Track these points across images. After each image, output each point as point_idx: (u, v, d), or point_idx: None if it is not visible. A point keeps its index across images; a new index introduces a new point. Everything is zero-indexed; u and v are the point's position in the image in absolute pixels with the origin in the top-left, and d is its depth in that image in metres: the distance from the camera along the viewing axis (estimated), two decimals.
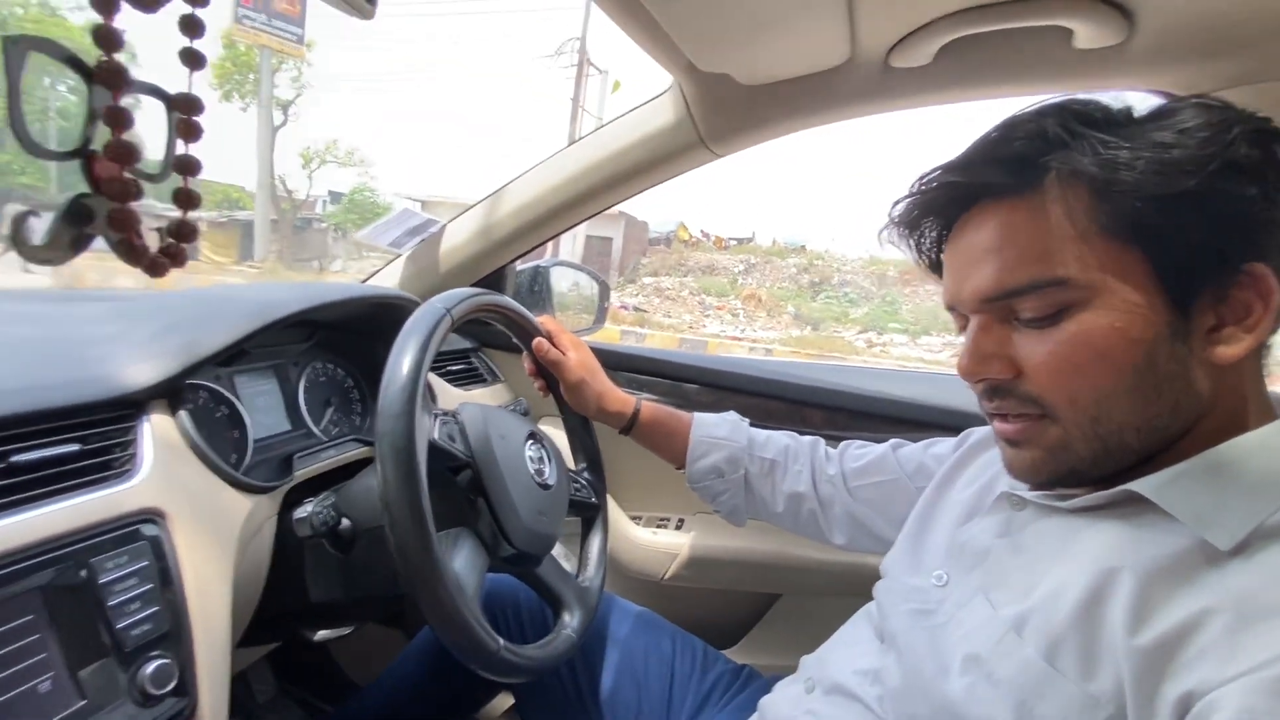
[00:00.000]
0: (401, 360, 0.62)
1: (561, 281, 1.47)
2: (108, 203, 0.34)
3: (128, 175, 0.34)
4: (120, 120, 0.34)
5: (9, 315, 0.78)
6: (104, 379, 0.63)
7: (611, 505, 1.24)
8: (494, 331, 1.03)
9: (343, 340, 0.99)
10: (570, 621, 0.77)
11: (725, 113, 0.94)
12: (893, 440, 0.85)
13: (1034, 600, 0.49)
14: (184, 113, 0.38)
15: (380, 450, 0.58)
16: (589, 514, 0.91)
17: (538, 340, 0.88)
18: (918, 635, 0.58)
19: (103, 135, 0.34)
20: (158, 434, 0.64)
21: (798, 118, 0.92)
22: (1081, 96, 0.50)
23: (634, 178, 1.05)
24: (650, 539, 1.23)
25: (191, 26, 0.37)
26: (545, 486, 0.76)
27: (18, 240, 0.32)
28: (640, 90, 1.13)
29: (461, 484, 0.69)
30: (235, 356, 0.81)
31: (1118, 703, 0.42)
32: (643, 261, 15.70)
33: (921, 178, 0.54)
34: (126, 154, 0.34)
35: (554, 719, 0.90)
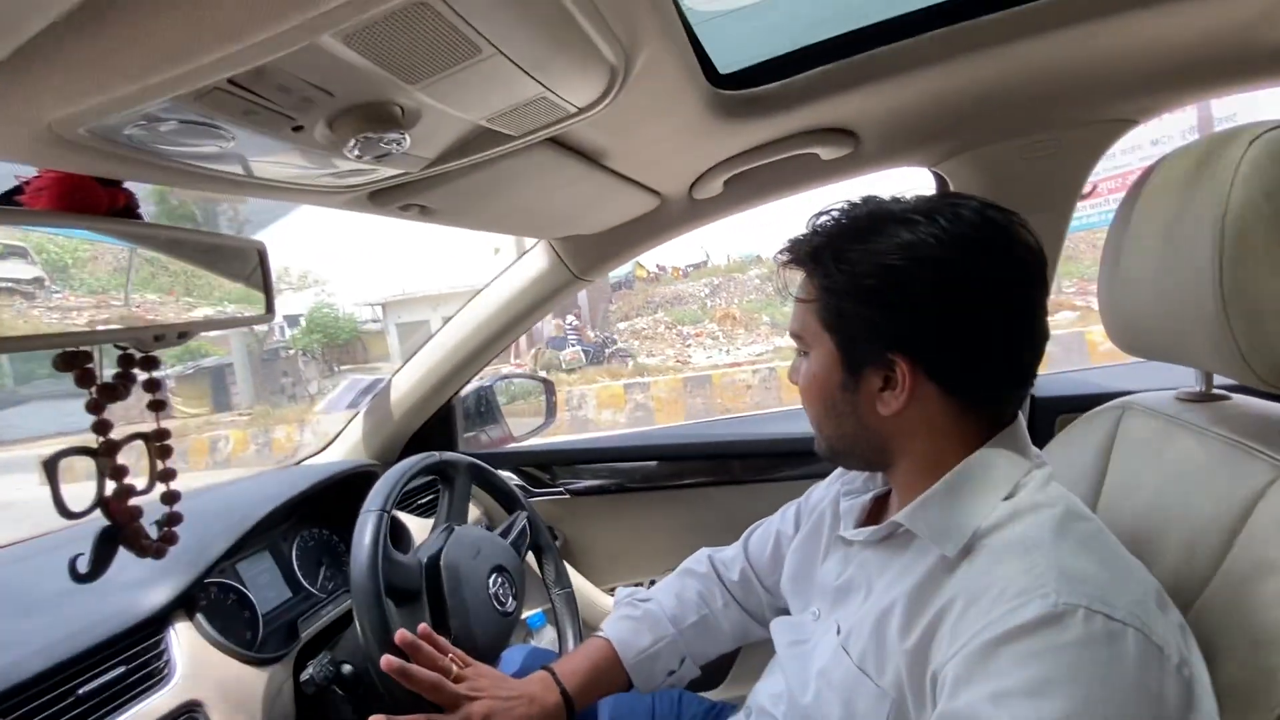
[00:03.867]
0: (360, 561, 0.80)
1: (506, 393, 1.67)
2: (123, 528, 0.52)
3: (130, 506, 0.53)
4: (120, 473, 0.53)
5: (50, 567, 0.96)
6: (133, 606, 0.81)
7: (584, 581, 1.42)
8: None
9: (322, 508, 1.17)
10: None
11: (585, 253, 1.16)
12: (780, 512, 0.97)
13: (853, 622, 0.66)
14: (158, 440, 0.58)
15: (361, 633, 0.76)
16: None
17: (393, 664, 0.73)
18: (794, 661, 0.74)
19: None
20: (182, 640, 0.82)
21: (640, 244, 1.16)
22: (845, 207, 0.65)
23: (531, 312, 1.28)
24: None
25: (152, 385, 0.57)
26: (506, 615, 0.94)
27: (75, 574, 0.50)
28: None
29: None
30: (234, 550, 0.99)
31: (899, 691, 0.58)
32: (610, 308, 15.80)
33: (778, 252, 0.70)
34: (128, 493, 0.53)
35: None
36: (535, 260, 1.21)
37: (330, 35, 0.32)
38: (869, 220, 0.62)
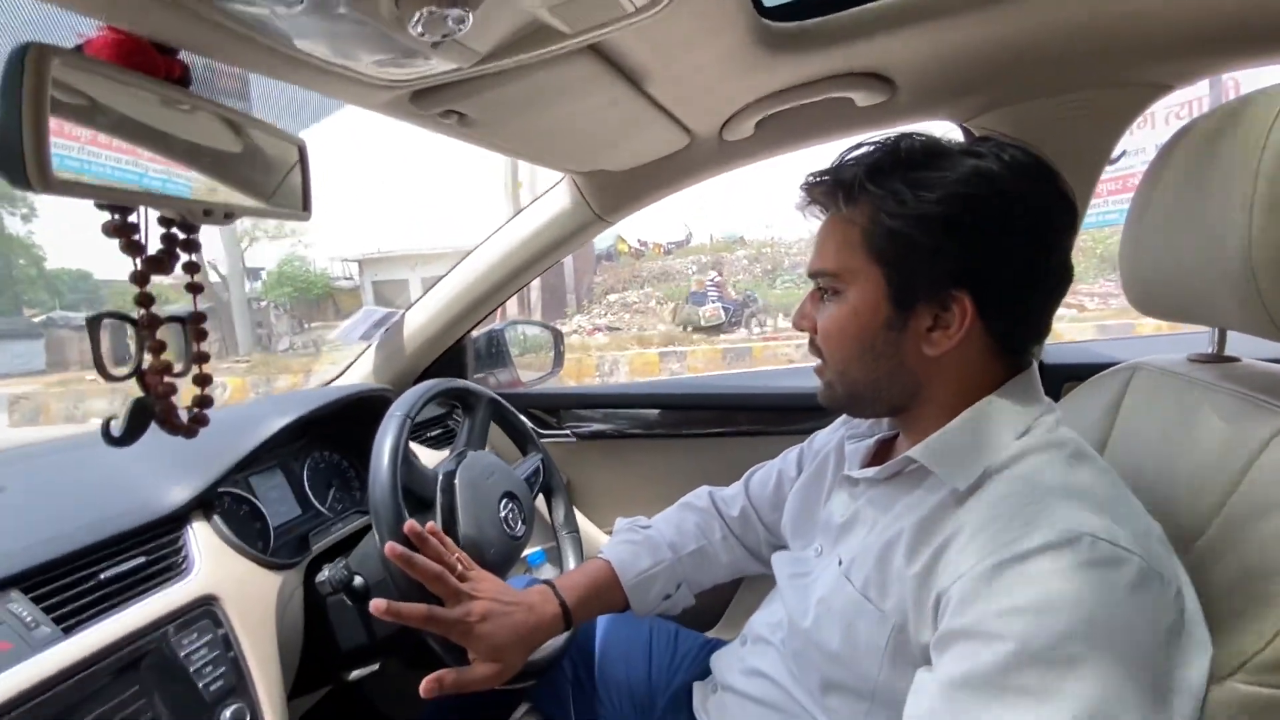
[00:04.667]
0: (381, 457, 0.82)
1: (517, 339, 1.67)
2: (157, 401, 0.53)
3: (167, 380, 0.54)
4: (158, 348, 0.53)
5: (71, 463, 0.97)
6: (153, 503, 0.82)
7: (586, 521, 1.44)
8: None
9: (333, 431, 1.19)
10: None
11: (610, 192, 1.15)
12: (782, 455, 1.00)
13: (857, 552, 0.68)
14: (196, 323, 0.58)
15: (375, 523, 0.78)
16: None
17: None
18: (794, 592, 0.77)
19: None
20: (200, 538, 0.83)
21: (665, 187, 1.15)
22: (895, 137, 0.62)
23: (550, 252, 1.27)
24: None
25: (192, 268, 0.57)
26: (515, 539, 0.95)
27: (107, 435, 0.51)
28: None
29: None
30: (248, 463, 1.00)
31: (902, 615, 0.60)
32: (595, 281, 15.68)
33: (809, 176, 0.68)
34: (165, 369, 0.54)
35: (564, 705, 1.08)
36: (557, 198, 1.21)
37: None
38: (928, 150, 0.60)
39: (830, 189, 0.65)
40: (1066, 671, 0.46)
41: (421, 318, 1.38)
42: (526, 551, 1.41)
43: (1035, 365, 0.65)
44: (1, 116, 0.36)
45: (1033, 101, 0.99)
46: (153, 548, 0.79)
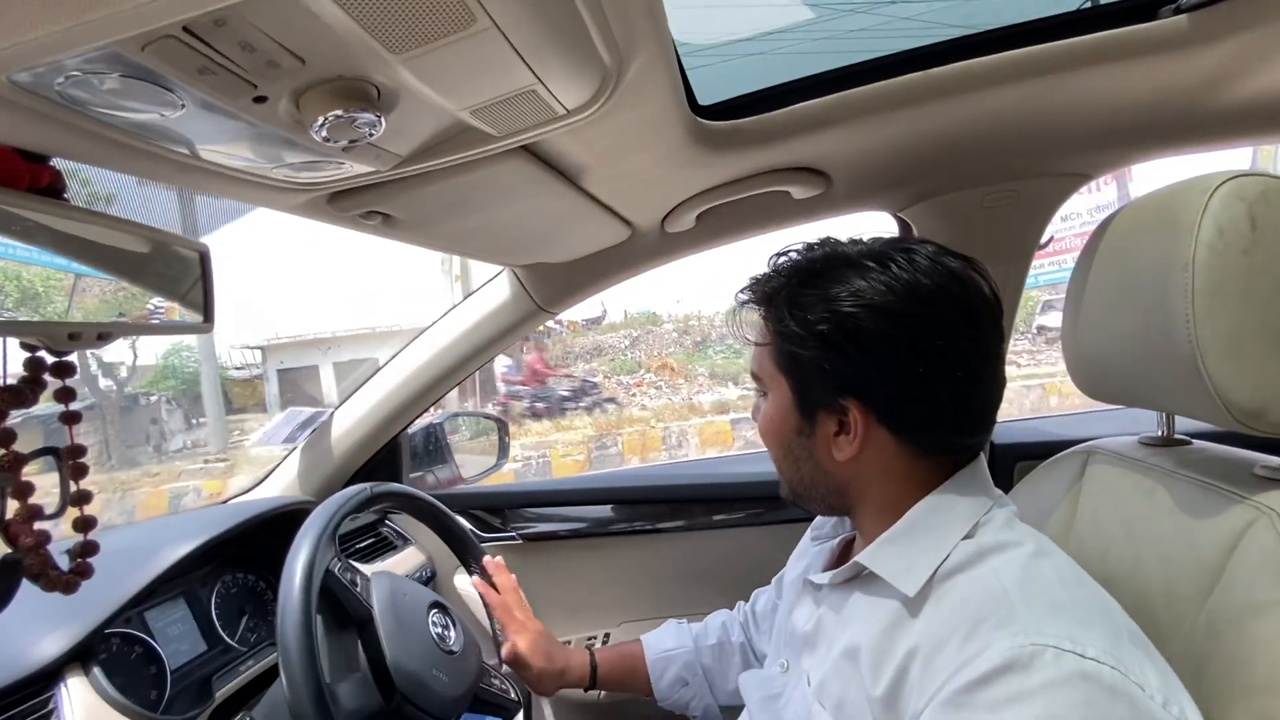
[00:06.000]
0: (293, 573, 0.71)
1: (456, 432, 1.59)
2: (26, 553, 0.45)
3: (36, 529, 0.45)
4: (24, 492, 0.45)
5: None
6: (19, 658, 0.70)
7: None
8: None
9: (248, 550, 1.07)
10: None
11: (551, 284, 1.12)
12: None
13: (824, 671, 0.62)
14: (73, 457, 0.50)
15: (283, 663, 0.66)
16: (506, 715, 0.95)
17: (484, 592, 0.96)
18: (765, 716, 0.70)
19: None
20: (75, 698, 0.71)
21: (607, 277, 1.13)
22: (806, 247, 0.66)
23: (492, 344, 1.22)
24: None
25: (66, 394, 0.50)
26: (451, 653, 0.85)
27: None
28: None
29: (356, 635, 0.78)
30: (143, 597, 0.88)
31: None
32: (524, 358, 15.59)
33: (738, 292, 0.70)
34: (33, 515, 0.45)
35: None
36: (497, 291, 1.17)
37: None
38: (824, 264, 0.62)
39: (750, 302, 0.68)
40: None
41: (351, 417, 1.29)
42: None
43: (981, 458, 0.63)
44: None
45: (962, 191, 1.02)
46: (16, 715, 0.66)
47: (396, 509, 0.96)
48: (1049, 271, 10.63)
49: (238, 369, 15.19)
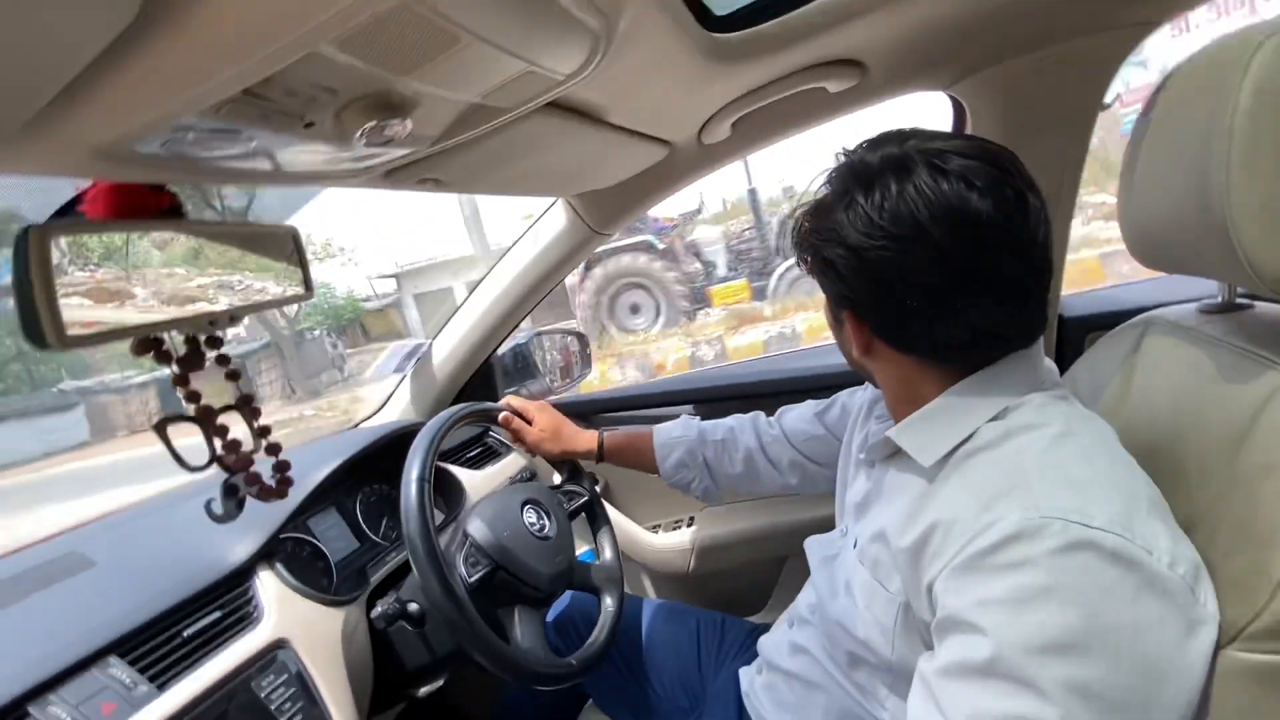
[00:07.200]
0: (409, 491, 0.90)
1: (542, 348, 1.72)
2: (242, 476, 0.60)
3: (242, 453, 0.61)
4: (222, 433, 0.60)
5: (147, 530, 1.08)
6: (222, 560, 0.91)
7: (628, 522, 1.50)
8: None
9: (380, 465, 1.27)
10: (608, 602, 1.05)
11: (602, 207, 1.19)
12: (810, 401, 1.09)
13: (867, 535, 0.71)
14: (247, 405, 0.65)
15: (412, 558, 0.85)
16: (583, 512, 1.16)
17: (503, 416, 1.16)
18: (823, 573, 0.81)
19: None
20: (266, 586, 0.92)
21: (655, 194, 1.19)
22: (835, 168, 0.66)
23: (555, 271, 1.31)
24: (669, 541, 1.48)
25: (223, 360, 0.64)
26: (546, 539, 1.01)
27: (212, 515, 0.58)
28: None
29: (499, 583, 0.97)
30: (304, 508, 1.08)
31: (905, 594, 0.63)
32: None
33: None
34: (235, 447, 0.60)
35: (623, 699, 1.15)
36: (554, 219, 1.25)
37: (325, 44, 0.36)
38: (836, 191, 0.64)
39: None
40: (1048, 659, 0.48)
41: (446, 346, 1.45)
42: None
43: (1018, 355, 0.63)
44: (18, 292, 0.42)
45: (1014, 60, 0.96)
46: (226, 601, 0.88)
47: (481, 422, 1.13)
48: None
49: (374, 299, 16.12)
